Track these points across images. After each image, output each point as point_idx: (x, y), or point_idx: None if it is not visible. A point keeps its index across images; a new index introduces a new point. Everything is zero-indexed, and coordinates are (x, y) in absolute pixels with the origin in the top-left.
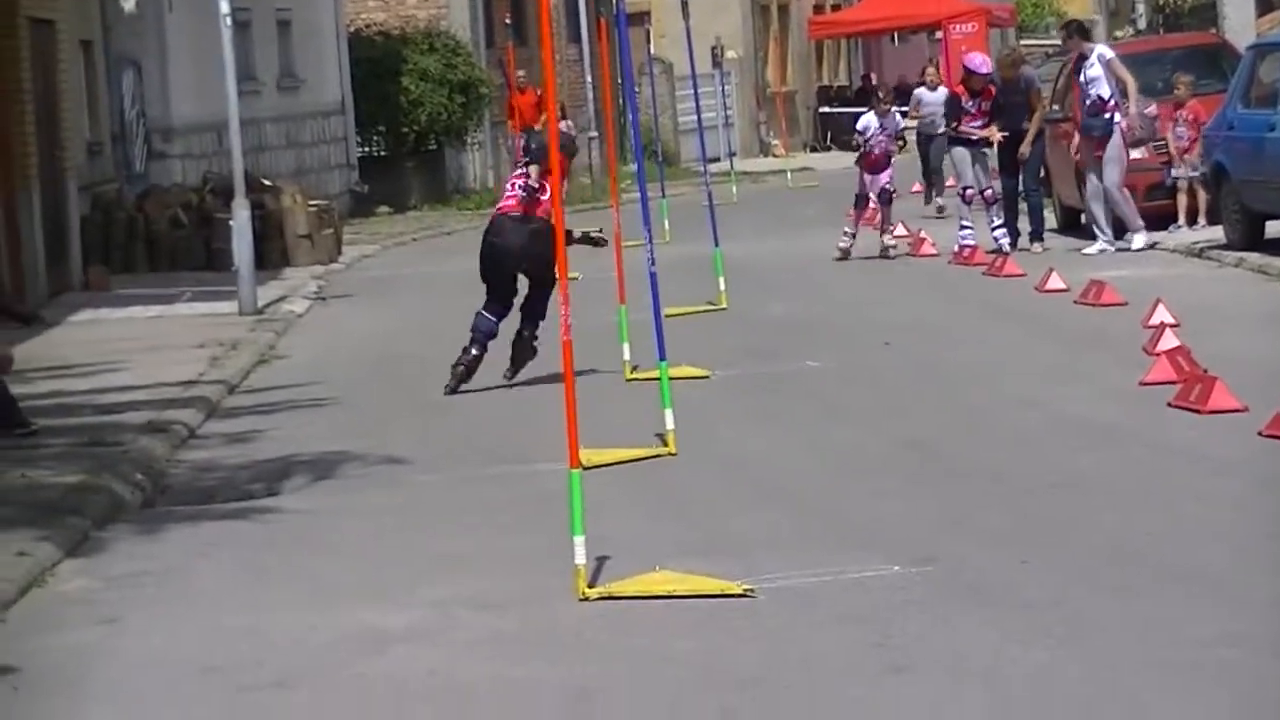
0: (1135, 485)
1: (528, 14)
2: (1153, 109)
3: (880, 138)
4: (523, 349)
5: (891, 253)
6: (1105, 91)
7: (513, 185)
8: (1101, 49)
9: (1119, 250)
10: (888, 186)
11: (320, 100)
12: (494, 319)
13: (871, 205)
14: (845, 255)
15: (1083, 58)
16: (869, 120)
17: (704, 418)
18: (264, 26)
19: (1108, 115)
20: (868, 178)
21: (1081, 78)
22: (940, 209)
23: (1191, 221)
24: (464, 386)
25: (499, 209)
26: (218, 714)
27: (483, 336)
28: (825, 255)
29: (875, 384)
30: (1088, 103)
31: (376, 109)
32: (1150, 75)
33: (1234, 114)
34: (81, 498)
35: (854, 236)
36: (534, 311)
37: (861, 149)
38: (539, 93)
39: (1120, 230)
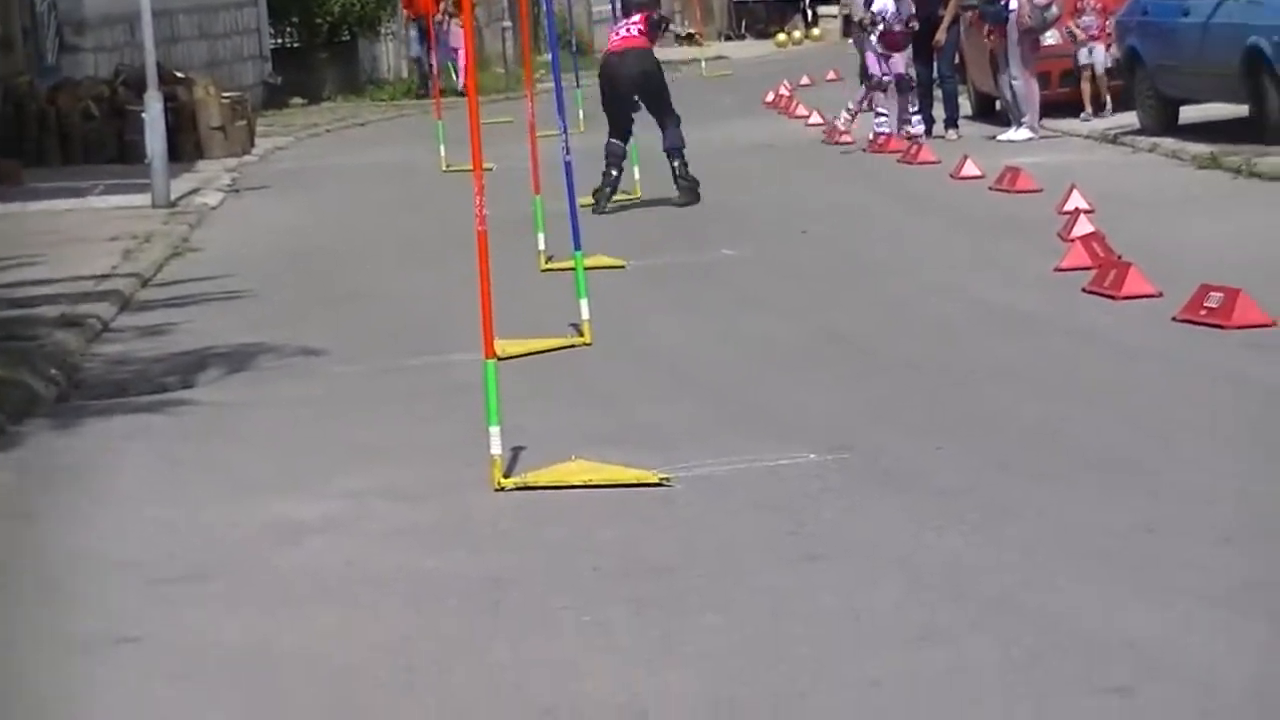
0: (1051, 372)
1: None
2: None
3: (897, 20)
4: (686, 187)
5: (921, 140)
6: None
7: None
8: None
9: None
10: (904, 73)
11: None
12: (621, 143)
13: (867, 93)
14: (835, 138)
15: None
16: (886, 2)
17: (620, 307)
18: None
19: (1002, 2)
20: (879, 59)
21: None
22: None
23: (1098, 109)
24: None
25: (609, 50)
26: (133, 607)
27: (616, 159)
28: (740, 144)
29: (792, 273)
30: None
31: (289, 0)
32: None
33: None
34: None
35: (855, 117)
36: (673, 145)
37: (877, 29)
38: None
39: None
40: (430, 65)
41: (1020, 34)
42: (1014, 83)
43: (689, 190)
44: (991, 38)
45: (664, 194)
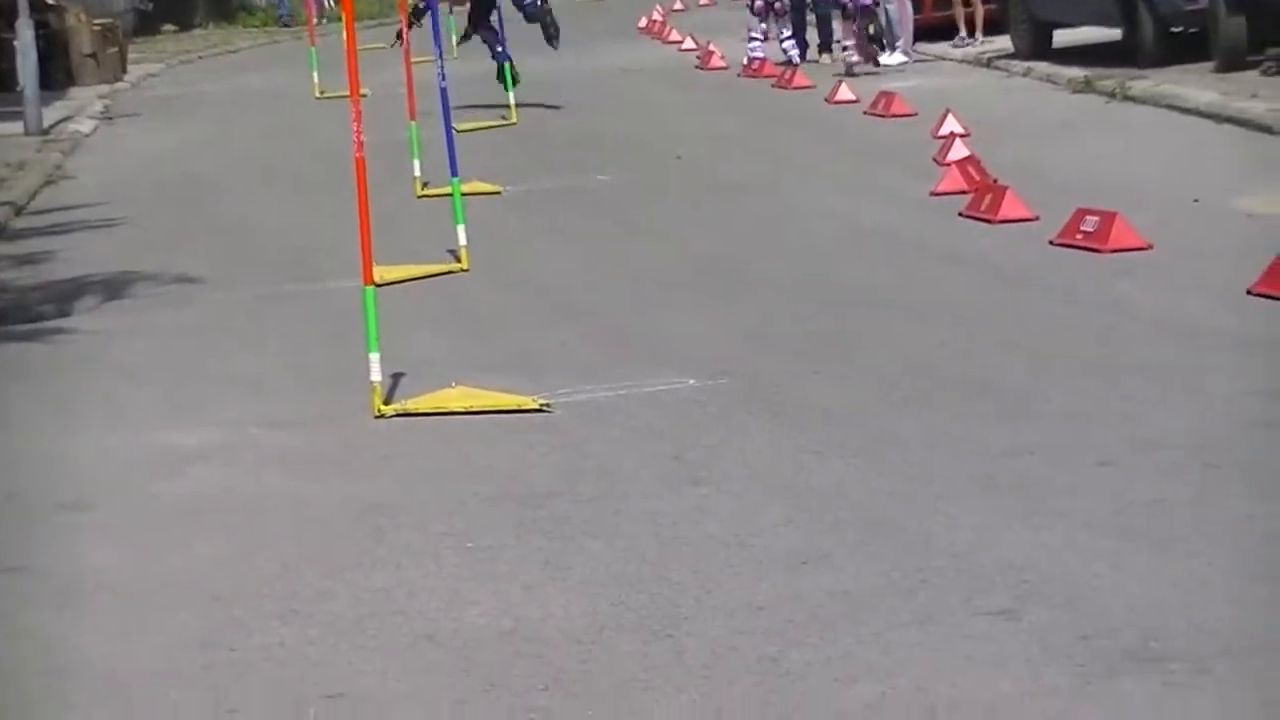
0: (928, 296)
1: None
2: None
3: None
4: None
5: (856, 69)
6: None
7: None
8: None
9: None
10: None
11: None
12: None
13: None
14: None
15: None
16: None
17: (496, 234)
18: None
19: None
20: None
21: None
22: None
23: (970, 32)
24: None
25: None
26: (13, 538)
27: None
28: (614, 70)
29: (668, 198)
30: None
31: None
32: None
33: None
34: None
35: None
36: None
37: None
38: None
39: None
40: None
41: None
42: (888, 7)
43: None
44: None
45: (538, 121)
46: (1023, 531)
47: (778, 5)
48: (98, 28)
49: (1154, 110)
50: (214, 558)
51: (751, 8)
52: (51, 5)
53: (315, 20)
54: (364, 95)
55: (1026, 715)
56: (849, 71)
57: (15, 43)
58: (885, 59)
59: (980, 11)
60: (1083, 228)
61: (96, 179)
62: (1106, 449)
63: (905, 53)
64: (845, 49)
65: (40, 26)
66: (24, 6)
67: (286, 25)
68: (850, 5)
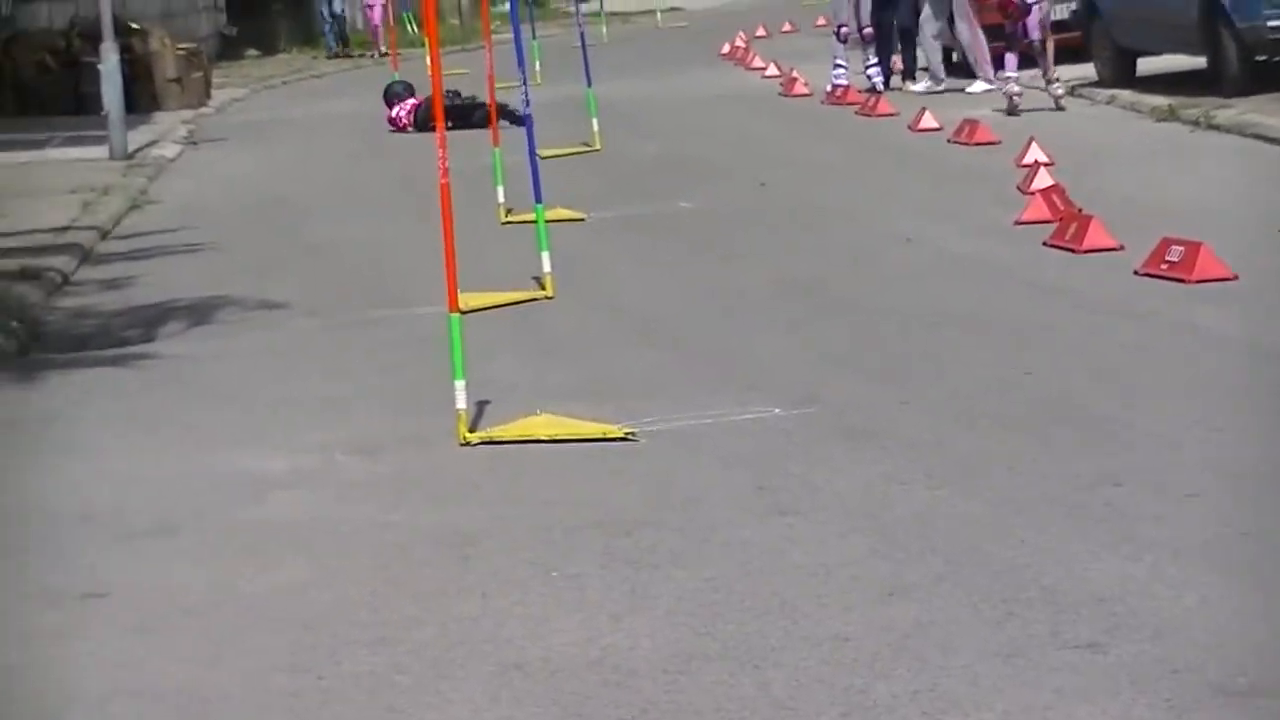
0: (1014, 324)
1: None
2: None
3: None
4: None
5: (1061, 103)
6: None
7: None
8: None
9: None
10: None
11: None
12: None
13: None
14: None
15: None
16: None
17: (581, 260)
18: None
19: None
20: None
21: None
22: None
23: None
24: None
25: None
26: (99, 562)
27: None
28: (697, 96)
29: (752, 224)
30: None
31: None
32: None
33: None
34: None
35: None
36: None
37: None
38: None
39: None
40: (336, 21)
41: None
42: (960, 36)
43: None
44: None
45: (622, 147)
46: (1111, 562)
47: (865, 31)
48: (182, 52)
49: (1239, 139)
50: (299, 584)
51: (838, 34)
52: (136, 30)
53: (377, 51)
54: (447, 122)
55: None
56: (1011, 108)
57: (100, 67)
58: (971, 87)
59: (1051, 45)
60: (1168, 257)
61: (181, 203)
62: (1195, 479)
63: (986, 79)
64: (1007, 79)
65: (125, 51)
66: (109, 31)
67: (336, 56)
68: (1015, 32)
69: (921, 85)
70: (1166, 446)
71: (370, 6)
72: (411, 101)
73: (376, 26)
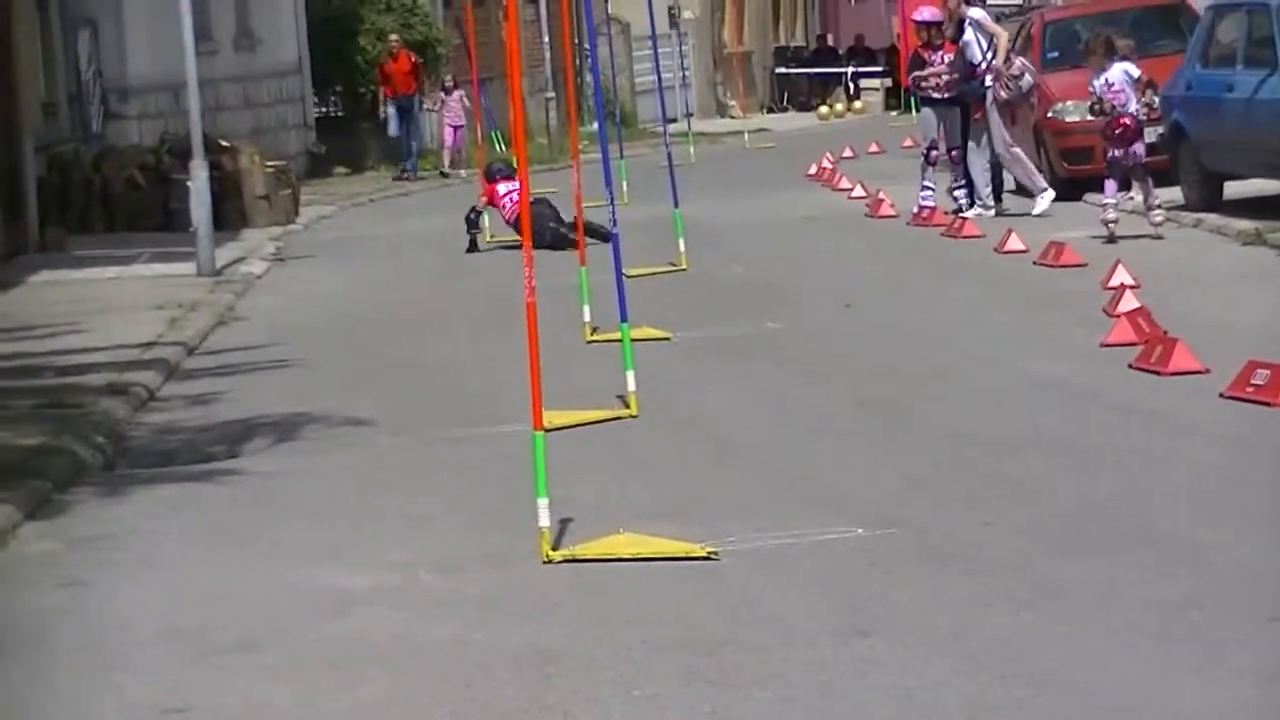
0: (1098, 447)
1: None
2: (1017, 65)
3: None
4: None
5: (1160, 231)
6: (976, 56)
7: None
8: (972, 11)
9: (995, 213)
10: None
11: (277, 60)
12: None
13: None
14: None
15: (962, 21)
16: (1118, 79)
17: (665, 379)
18: None
19: (977, 80)
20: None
21: (960, 42)
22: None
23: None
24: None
25: None
26: (181, 677)
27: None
28: (784, 217)
29: (837, 345)
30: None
31: (333, 69)
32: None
33: (1193, 74)
34: (43, 460)
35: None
36: None
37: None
38: (414, 60)
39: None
40: (410, 145)
41: (1000, 107)
42: (1006, 154)
43: None
44: (980, 117)
45: (709, 267)
46: (1194, 687)
47: (953, 153)
48: (271, 169)
49: None
50: (381, 701)
51: (926, 156)
52: (226, 147)
53: (445, 169)
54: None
55: None
56: (1110, 236)
57: (189, 183)
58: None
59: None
60: (1254, 380)
61: (268, 320)
62: (1277, 603)
63: (1043, 187)
64: (1104, 206)
65: (214, 168)
66: (198, 148)
67: (406, 178)
68: (1117, 157)
69: (1043, 203)
70: (1250, 570)
71: (453, 128)
72: (514, 186)
73: (452, 147)
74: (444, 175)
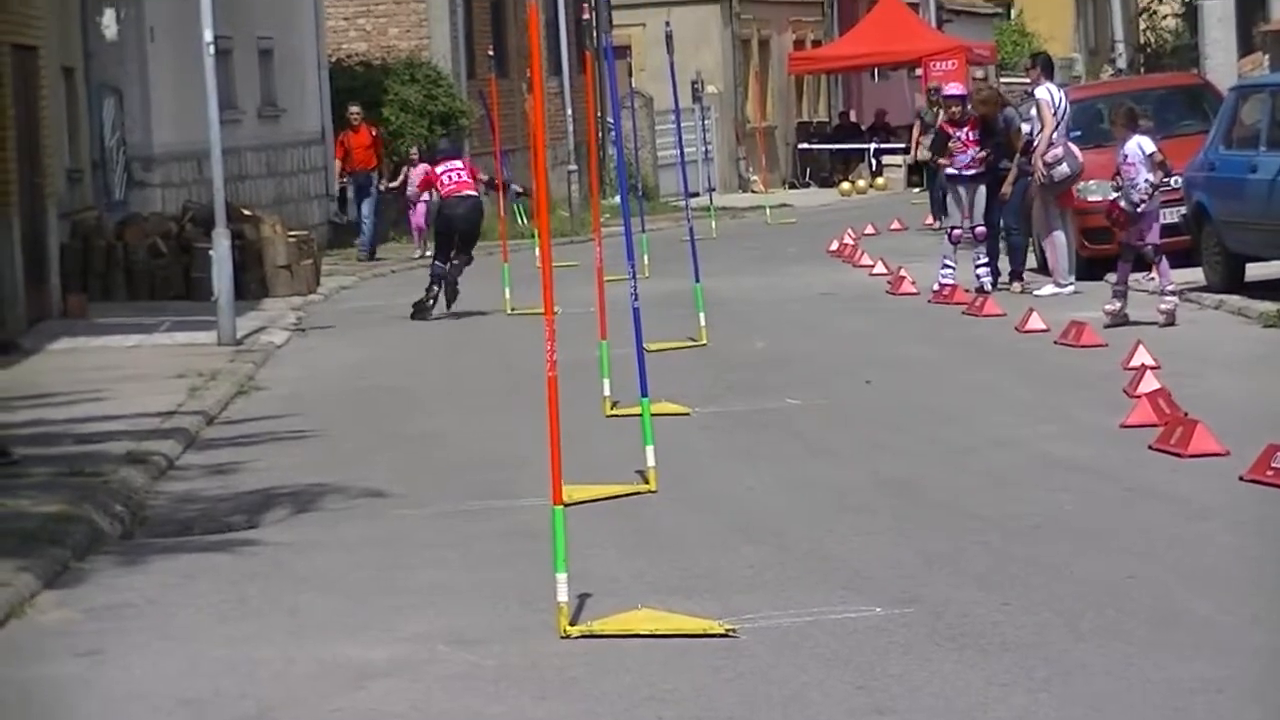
0: (1117, 528)
1: (509, 46)
2: (1056, 152)
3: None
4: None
5: (1169, 318)
6: (1030, 133)
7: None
8: (1038, 90)
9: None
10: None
11: (301, 129)
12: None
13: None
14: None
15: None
16: (1137, 165)
17: (685, 455)
18: (246, 55)
19: (1025, 158)
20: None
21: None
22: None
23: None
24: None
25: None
26: None
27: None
28: (805, 292)
29: (857, 422)
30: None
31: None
32: None
33: (1216, 155)
34: (61, 528)
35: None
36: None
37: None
38: (374, 133)
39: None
40: (366, 225)
41: (1040, 191)
42: (1039, 237)
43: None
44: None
45: (729, 342)
46: None
47: (976, 230)
48: (292, 239)
49: None
50: None
51: (949, 235)
52: (248, 216)
53: (421, 252)
54: (556, 313)
55: None
56: (1119, 317)
57: (211, 252)
58: (1040, 289)
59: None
60: (1274, 464)
61: (288, 390)
62: None
63: (1057, 284)
64: (1115, 292)
65: (236, 237)
66: (221, 217)
67: (367, 258)
68: (1127, 240)
69: (1048, 289)
70: (1268, 654)
71: (414, 205)
72: (455, 165)
73: (420, 228)
74: (418, 259)
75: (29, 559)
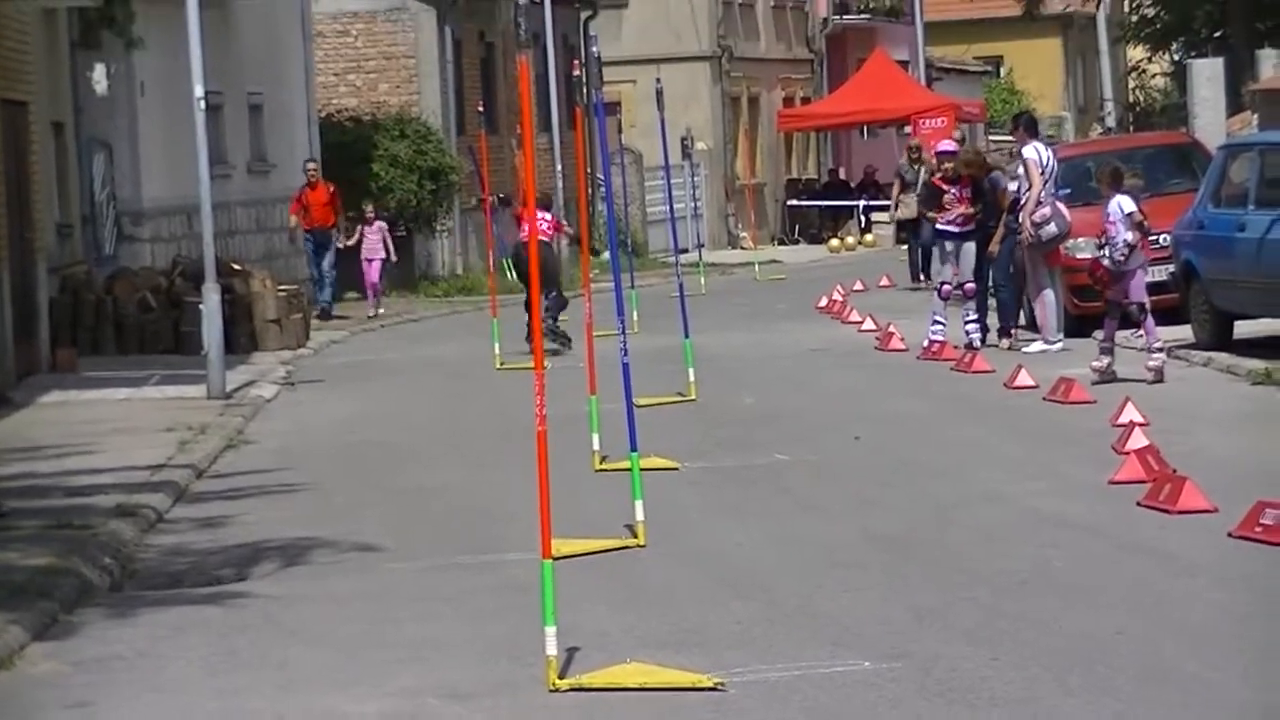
0: (1105, 584)
1: (499, 101)
2: (1044, 212)
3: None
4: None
5: (1157, 375)
6: (1018, 191)
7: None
8: (1025, 150)
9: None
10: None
11: (291, 184)
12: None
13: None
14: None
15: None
16: (1116, 224)
17: (674, 509)
18: (236, 110)
19: (1013, 216)
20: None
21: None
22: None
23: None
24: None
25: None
26: None
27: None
28: (794, 348)
29: (845, 478)
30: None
31: (346, 194)
32: None
33: (1204, 213)
34: (50, 580)
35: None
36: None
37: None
38: (331, 190)
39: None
40: (325, 280)
41: (1029, 250)
42: (1030, 295)
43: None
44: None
45: (718, 398)
46: None
47: (966, 287)
48: (282, 294)
49: None
50: None
51: (939, 291)
52: (238, 270)
53: (373, 311)
54: (545, 367)
55: None
56: (1106, 374)
57: (201, 306)
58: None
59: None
60: (1262, 520)
61: (277, 444)
62: None
63: (1045, 340)
64: (1101, 349)
65: (226, 291)
66: (210, 271)
67: (324, 316)
68: (1113, 298)
69: (1036, 347)
70: (1256, 710)
71: (369, 261)
72: (546, 215)
73: (373, 284)
74: (371, 318)
75: (18, 611)
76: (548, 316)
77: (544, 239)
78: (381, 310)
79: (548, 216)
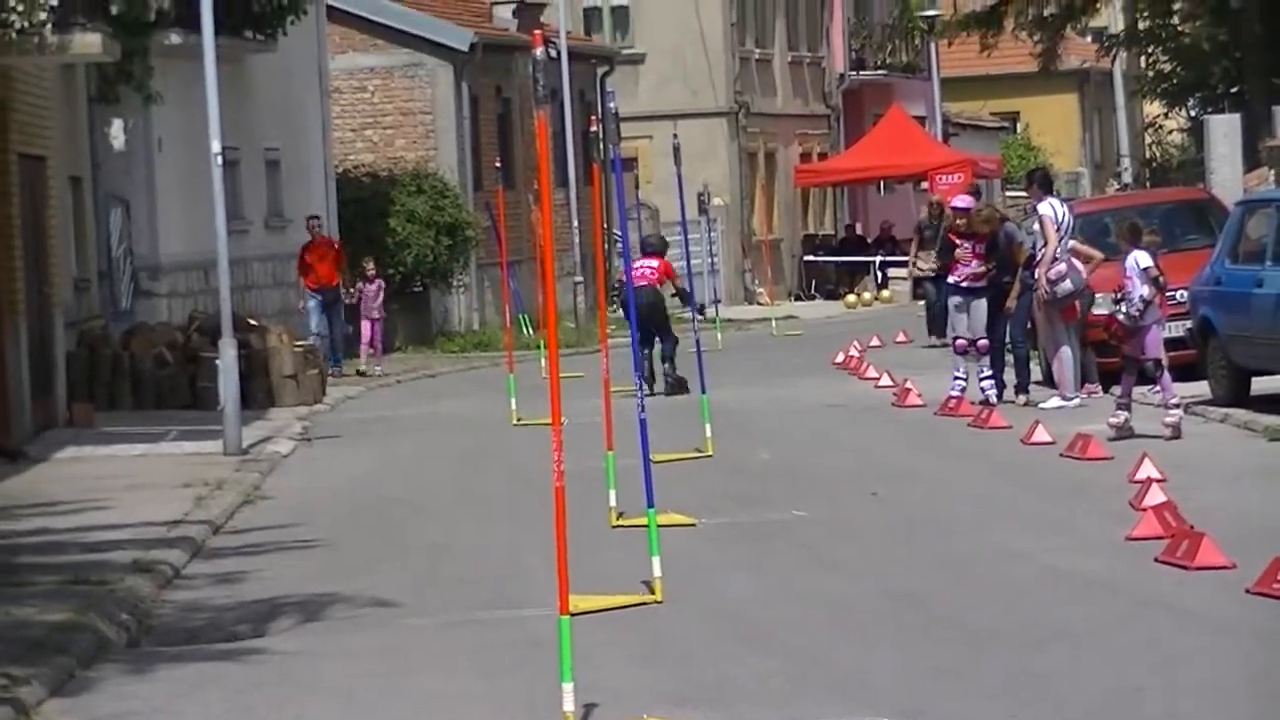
0: (1123, 641)
1: (515, 157)
2: (1060, 269)
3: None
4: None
5: (1174, 432)
6: (1034, 248)
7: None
8: (1041, 206)
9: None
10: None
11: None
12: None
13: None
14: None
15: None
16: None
17: (691, 565)
18: (253, 166)
19: (1028, 272)
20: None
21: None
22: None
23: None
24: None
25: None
26: None
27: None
28: (811, 404)
29: (863, 534)
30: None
31: (363, 249)
32: None
33: (1221, 269)
34: (68, 636)
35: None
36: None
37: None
38: (336, 246)
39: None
40: (333, 340)
41: (1044, 306)
42: (1047, 352)
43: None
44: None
45: (735, 453)
46: None
47: (980, 343)
48: (299, 349)
49: None
50: None
51: (954, 345)
52: (254, 325)
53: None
54: (563, 423)
55: None
56: (1124, 430)
57: (217, 362)
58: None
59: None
60: None
61: (294, 500)
62: None
63: (1063, 397)
64: (1118, 405)
65: (242, 347)
66: (227, 326)
67: (333, 374)
68: (1130, 354)
69: (1052, 403)
70: None
71: (367, 320)
72: (653, 262)
73: (366, 342)
74: (361, 374)
75: (35, 667)
76: (666, 362)
77: (643, 284)
78: (379, 369)
79: (652, 263)
